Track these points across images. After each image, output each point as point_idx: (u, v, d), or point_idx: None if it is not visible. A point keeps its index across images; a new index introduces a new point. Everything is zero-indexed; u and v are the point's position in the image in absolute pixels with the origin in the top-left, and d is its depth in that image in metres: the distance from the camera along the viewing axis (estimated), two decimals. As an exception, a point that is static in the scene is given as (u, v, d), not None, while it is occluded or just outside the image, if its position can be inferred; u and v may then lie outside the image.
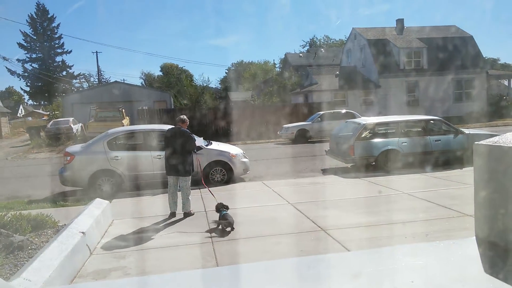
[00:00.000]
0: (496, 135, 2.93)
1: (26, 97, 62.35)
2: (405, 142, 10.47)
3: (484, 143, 2.66)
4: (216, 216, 6.18)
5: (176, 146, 6.79)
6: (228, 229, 5.81)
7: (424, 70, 29.34)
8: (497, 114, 27.48)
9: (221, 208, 6.15)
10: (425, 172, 9.65)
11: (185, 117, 7.05)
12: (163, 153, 7.63)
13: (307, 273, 2.18)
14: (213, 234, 5.77)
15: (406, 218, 6.08)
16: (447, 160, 10.51)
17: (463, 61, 29.31)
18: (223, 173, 9.77)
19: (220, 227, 5.93)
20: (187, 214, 6.82)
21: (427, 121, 11.21)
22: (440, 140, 10.68)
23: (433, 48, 29.49)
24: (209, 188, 7.39)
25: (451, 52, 29.33)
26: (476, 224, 2.70)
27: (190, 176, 6.93)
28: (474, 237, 2.61)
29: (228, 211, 6.12)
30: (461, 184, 8.15)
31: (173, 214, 6.82)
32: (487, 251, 2.41)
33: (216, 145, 10.34)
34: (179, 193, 6.92)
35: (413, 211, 6.45)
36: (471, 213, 3.68)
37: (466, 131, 11.24)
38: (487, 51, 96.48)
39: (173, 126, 7.12)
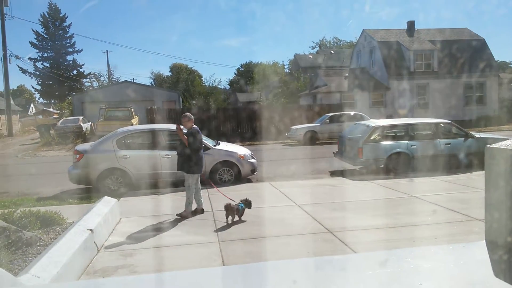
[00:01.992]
0: (507, 139, 2.88)
1: (37, 95, 63.04)
2: (414, 145, 10.38)
3: (496, 146, 2.62)
4: (222, 216, 6.27)
5: (198, 144, 6.82)
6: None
7: (435, 72, 29.08)
8: (508, 118, 27.14)
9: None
10: (434, 176, 9.56)
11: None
12: (171, 153, 7.60)
13: (315, 274, 2.17)
14: (220, 233, 5.78)
15: (414, 221, 6.03)
16: (457, 163, 10.39)
17: (474, 64, 28.96)
18: (230, 173, 9.78)
19: (229, 218, 6.17)
20: (202, 210, 6.90)
21: (437, 124, 11.10)
22: (450, 143, 10.57)
23: (444, 50, 29.20)
24: (214, 186, 7.46)
25: (463, 55, 29.00)
26: (486, 228, 2.66)
27: None
28: (484, 241, 2.58)
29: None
30: (470, 188, 8.06)
31: (202, 210, 6.87)
32: (497, 255, 2.37)
33: (224, 145, 10.36)
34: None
35: (422, 215, 6.39)
36: (481, 217, 3.63)
37: (477, 134, 11.11)
38: (499, 55, 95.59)
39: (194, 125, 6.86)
